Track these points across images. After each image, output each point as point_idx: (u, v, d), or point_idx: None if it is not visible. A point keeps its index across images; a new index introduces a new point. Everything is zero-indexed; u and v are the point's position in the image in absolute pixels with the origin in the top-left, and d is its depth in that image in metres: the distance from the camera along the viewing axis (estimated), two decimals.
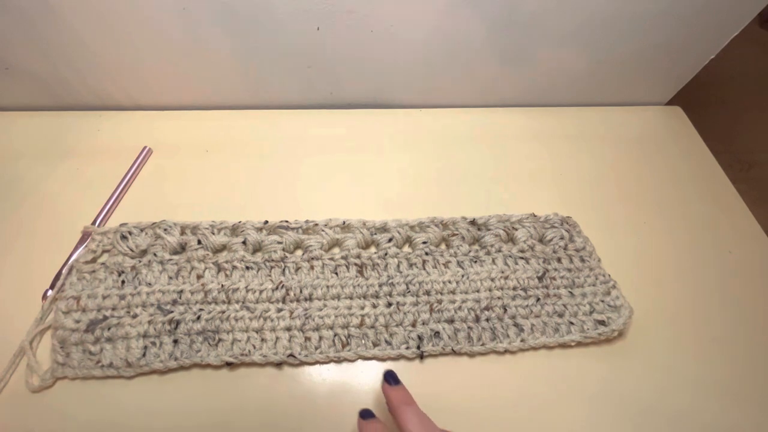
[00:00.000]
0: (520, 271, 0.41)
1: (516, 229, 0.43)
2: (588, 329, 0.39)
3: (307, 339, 0.37)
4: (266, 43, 0.46)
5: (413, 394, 0.33)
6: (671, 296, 0.42)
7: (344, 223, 0.42)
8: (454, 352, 0.37)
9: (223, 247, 0.41)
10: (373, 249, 0.42)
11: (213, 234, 0.40)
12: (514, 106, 0.57)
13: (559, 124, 0.56)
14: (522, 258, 0.42)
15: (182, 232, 0.40)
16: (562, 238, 0.43)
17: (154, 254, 0.39)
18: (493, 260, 0.42)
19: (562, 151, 0.53)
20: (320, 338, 0.37)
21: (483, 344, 0.38)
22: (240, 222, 0.41)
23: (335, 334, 0.37)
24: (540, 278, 0.41)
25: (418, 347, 0.37)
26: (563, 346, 0.38)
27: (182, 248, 0.40)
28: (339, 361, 0.36)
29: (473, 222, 0.43)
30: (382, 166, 0.49)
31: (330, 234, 0.41)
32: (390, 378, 0.32)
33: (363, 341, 0.37)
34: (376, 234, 0.42)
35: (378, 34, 0.46)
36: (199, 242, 0.40)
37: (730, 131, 0.60)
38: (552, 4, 0.44)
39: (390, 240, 0.42)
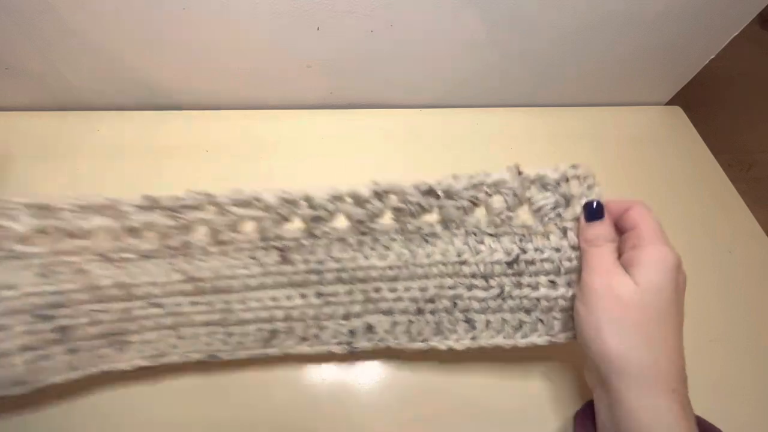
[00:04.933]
0: (484, 253, 0.32)
1: (490, 195, 0.31)
2: (556, 330, 0.32)
3: (229, 335, 0.33)
4: (266, 42, 0.46)
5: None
6: None
7: (255, 197, 0.31)
8: (389, 348, 0.33)
9: (99, 232, 0.31)
10: (296, 228, 0.33)
11: (79, 218, 0.30)
12: (514, 106, 0.57)
13: (559, 124, 0.56)
14: (491, 235, 0.32)
15: (37, 216, 0.30)
16: (554, 206, 0.31)
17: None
18: (451, 239, 0.32)
19: (562, 151, 0.53)
20: (244, 334, 0.33)
21: (424, 340, 0.33)
22: (113, 199, 0.31)
23: (259, 329, 0.33)
24: (510, 264, 0.32)
25: (350, 343, 0.33)
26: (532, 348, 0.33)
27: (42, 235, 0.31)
28: (264, 359, 0.33)
29: (430, 191, 0.31)
30: (383, 166, 0.49)
31: (238, 212, 0.32)
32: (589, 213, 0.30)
33: (290, 336, 0.33)
34: (297, 209, 0.32)
35: (378, 34, 0.46)
36: (63, 228, 0.31)
37: (730, 131, 0.60)
38: (552, 4, 0.44)
39: (317, 217, 0.32)
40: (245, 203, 0.31)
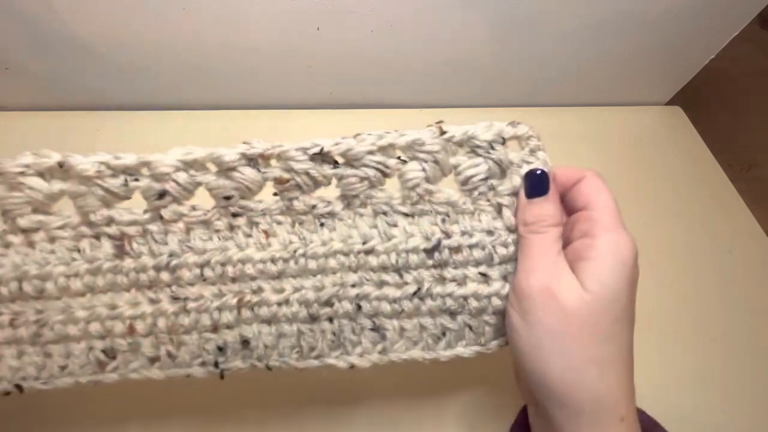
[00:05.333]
0: (397, 238, 0.25)
1: (404, 162, 0.24)
2: (488, 337, 0.26)
3: (47, 356, 0.24)
4: (266, 43, 0.46)
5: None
6: (671, 296, 0.42)
7: (61, 162, 0.22)
8: (268, 369, 0.26)
9: None
10: (137, 208, 0.24)
11: None
12: (514, 106, 0.57)
13: (559, 124, 0.56)
14: (406, 215, 0.25)
15: None
16: (486, 177, 0.24)
17: None
18: (355, 221, 0.25)
19: (562, 151, 0.53)
20: (68, 355, 0.24)
21: (319, 356, 0.25)
22: None
23: (90, 348, 0.24)
24: (430, 252, 0.25)
25: (216, 364, 0.25)
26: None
27: None
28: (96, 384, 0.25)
29: (322, 154, 0.25)
30: None
31: (37, 185, 0.22)
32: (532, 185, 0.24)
33: (135, 356, 0.25)
34: (134, 181, 0.23)
35: (378, 34, 0.46)
36: None
37: (730, 131, 0.60)
38: (552, 4, 0.44)
39: (163, 193, 0.23)
40: (48, 172, 0.22)
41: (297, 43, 0.46)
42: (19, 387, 0.24)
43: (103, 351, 0.24)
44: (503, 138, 0.24)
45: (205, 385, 0.27)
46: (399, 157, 0.24)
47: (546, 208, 0.23)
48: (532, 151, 0.25)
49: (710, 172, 0.52)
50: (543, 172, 0.24)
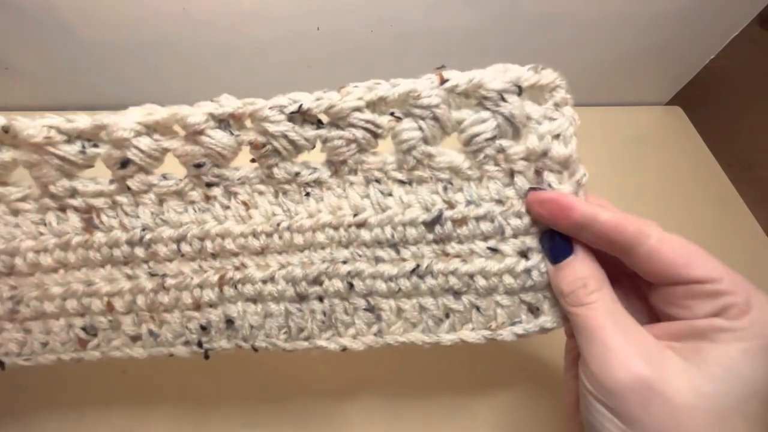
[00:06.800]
0: (392, 209, 0.22)
1: (399, 119, 0.21)
2: (501, 321, 0.22)
3: (27, 332, 0.23)
4: (266, 43, 0.46)
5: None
6: None
7: (6, 129, 0.20)
8: (254, 350, 0.24)
9: None
10: (103, 177, 0.23)
11: None
12: None
13: None
14: (402, 182, 0.22)
15: None
16: (494, 136, 0.21)
17: None
18: (345, 189, 0.22)
19: None
20: (48, 331, 0.23)
21: (308, 338, 0.23)
22: None
23: (69, 325, 0.23)
24: (430, 224, 0.22)
25: (200, 343, 0.24)
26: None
27: None
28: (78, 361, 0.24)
29: (301, 112, 0.21)
30: None
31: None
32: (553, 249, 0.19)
33: (116, 334, 0.23)
34: (93, 147, 0.21)
35: (378, 33, 0.46)
36: None
37: (730, 131, 0.59)
38: (552, 6, 0.44)
39: (126, 163, 0.21)
40: None
41: (297, 43, 0.46)
42: (0, 363, 0.23)
43: (83, 328, 0.23)
44: (519, 87, 0.21)
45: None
46: (392, 113, 0.21)
47: (578, 270, 0.18)
48: (558, 106, 0.21)
49: (710, 172, 0.52)
50: (558, 235, 0.19)
